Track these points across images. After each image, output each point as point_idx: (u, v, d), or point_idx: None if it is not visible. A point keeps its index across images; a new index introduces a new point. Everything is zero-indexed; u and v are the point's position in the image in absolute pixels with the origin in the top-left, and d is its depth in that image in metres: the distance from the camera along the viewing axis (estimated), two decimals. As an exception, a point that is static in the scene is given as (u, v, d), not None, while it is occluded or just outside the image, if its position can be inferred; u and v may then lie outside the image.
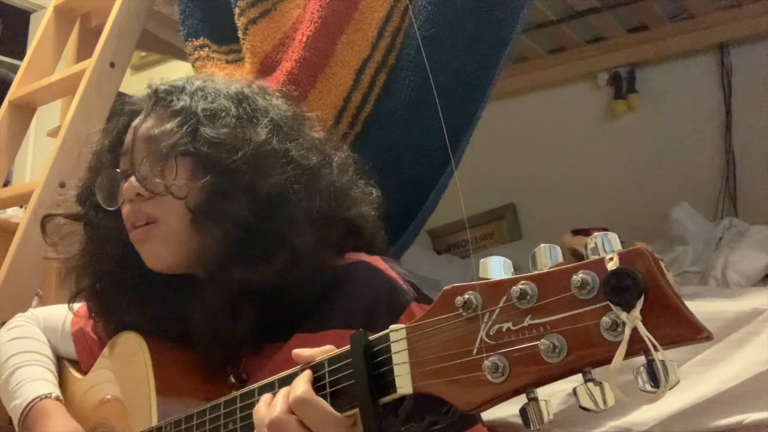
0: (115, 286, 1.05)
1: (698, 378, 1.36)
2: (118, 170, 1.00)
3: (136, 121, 1.00)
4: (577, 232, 1.81)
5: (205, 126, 0.94)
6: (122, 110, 1.06)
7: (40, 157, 3.42)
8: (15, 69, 2.33)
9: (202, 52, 1.71)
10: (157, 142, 0.95)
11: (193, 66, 1.72)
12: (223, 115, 0.96)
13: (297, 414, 0.67)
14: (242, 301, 0.93)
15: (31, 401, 1.10)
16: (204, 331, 0.95)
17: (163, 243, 0.96)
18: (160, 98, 1.00)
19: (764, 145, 2.35)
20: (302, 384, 0.69)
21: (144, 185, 0.95)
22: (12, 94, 2.05)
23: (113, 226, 1.02)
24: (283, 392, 0.70)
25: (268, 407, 0.70)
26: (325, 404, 0.68)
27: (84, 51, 2.06)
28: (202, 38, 1.73)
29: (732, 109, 2.45)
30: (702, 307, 1.36)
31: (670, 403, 1.35)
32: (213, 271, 0.94)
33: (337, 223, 0.96)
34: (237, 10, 1.61)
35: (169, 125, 0.95)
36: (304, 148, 0.97)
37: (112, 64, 1.83)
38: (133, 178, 0.96)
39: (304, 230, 0.92)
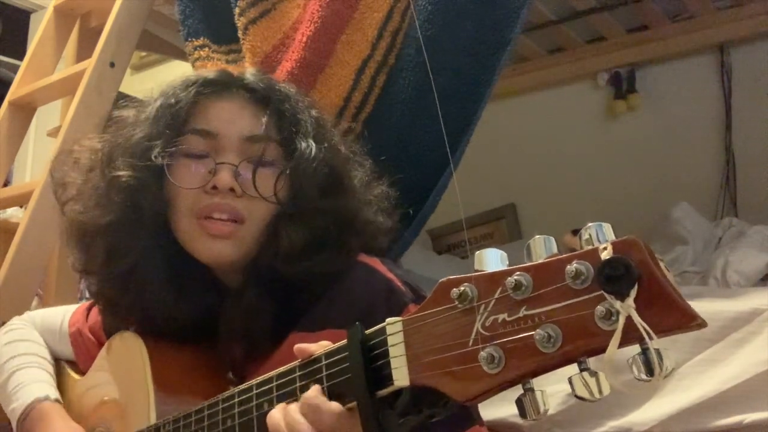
0: (149, 260, 0.99)
1: (698, 378, 1.36)
2: (208, 157, 0.97)
3: (230, 107, 1.00)
4: (576, 232, 1.81)
5: (314, 143, 0.99)
6: (194, 81, 1.02)
7: (40, 157, 3.42)
8: (15, 69, 2.33)
9: (202, 52, 1.71)
10: (267, 148, 0.98)
11: (193, 66, 1.72)
12: (325, 140, 1.01)
13: (308, 418, 0.68)
14: (269, 295, 0.95)
15: (30, 404, 1.09)
16: (236, 327, 0.96)
17: (242, 243, 0.96)
18: (254, 91, 1.02)
19: (764, 145, 2.34)
20: (313, 390, 0.69)
21: (255, 187, 0.95)
22: (12, 94, 2.05)
23: (159, 193, 0.98)
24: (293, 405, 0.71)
25: (282, 412, 0.71)
26: (336, 406, 0.68)
27: (84, 51, 2.06)
28: (202, 38, 1.73)
29: (732, 109, 2.44)
30: (702, 307, 1.35)
31: (670, 403, 1.35)
32: (261, 264, 0.96)
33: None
34: (237, 10, 1.61)
35: (283, 133, 0.99)
36: (357, 181, 1.05)
37: (112, 64, 1.83)
38: (233, 172, 0.95)
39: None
